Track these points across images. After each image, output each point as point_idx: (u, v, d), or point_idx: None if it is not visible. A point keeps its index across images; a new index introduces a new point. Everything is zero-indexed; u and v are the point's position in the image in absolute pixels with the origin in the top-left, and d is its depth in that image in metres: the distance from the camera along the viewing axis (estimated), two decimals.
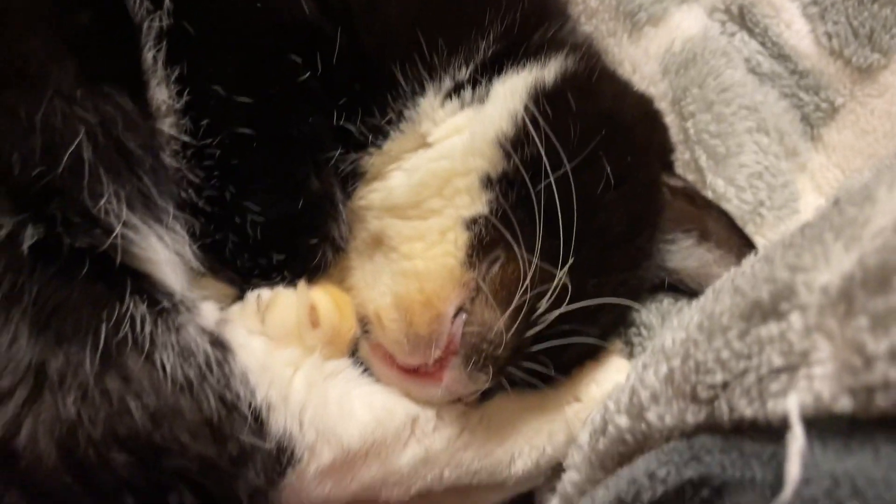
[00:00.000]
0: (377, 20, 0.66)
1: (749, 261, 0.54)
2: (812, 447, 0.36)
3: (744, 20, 0.96)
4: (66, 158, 0.51)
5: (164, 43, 0.59)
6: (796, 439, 0.36)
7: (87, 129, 0.53)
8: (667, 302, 0.76)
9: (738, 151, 0.82)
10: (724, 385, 0.43)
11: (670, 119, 0.84)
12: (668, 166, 0.78)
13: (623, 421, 0.53)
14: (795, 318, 0.40)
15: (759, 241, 0.78)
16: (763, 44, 0.96)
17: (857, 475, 0.34)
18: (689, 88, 0.84)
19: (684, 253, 0.76)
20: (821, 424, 0.37)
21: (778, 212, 0.80)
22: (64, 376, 0.52)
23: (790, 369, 0.39)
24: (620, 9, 0.86)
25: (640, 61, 0.86)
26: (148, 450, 0.54)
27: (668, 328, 0.54)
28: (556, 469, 0.71)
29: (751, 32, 0.96)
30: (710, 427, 0.44)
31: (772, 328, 0.41)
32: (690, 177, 0.83)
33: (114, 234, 0.53)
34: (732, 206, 0.80)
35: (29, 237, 0.51)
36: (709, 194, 0.82)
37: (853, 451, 0.35)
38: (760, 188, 0.81)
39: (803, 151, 0.93)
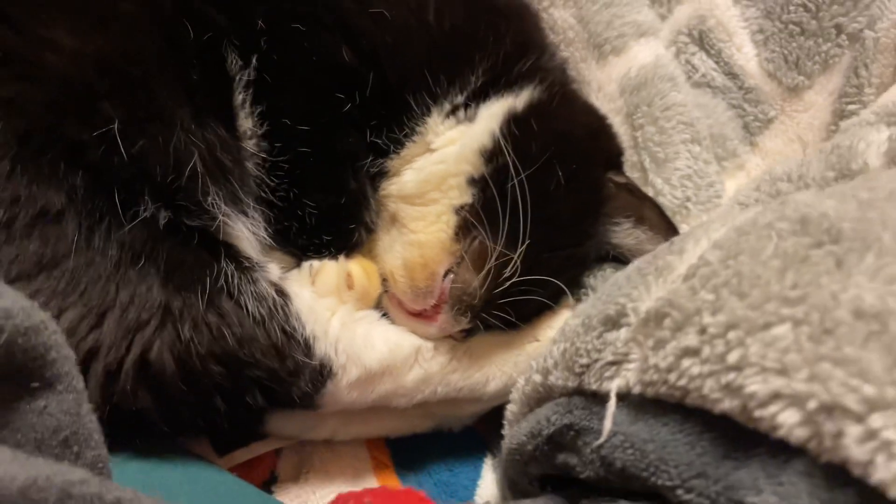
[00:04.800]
0: (397, 64, 0.87)
1: (614, 278, 0.75)
2: (622, 411, 0.60)
3: (703, 42, 1.19)
4: (188, 171, 0.75)
5: (251, 89, 0.83)
6: (611, 408, 0.60)
7: (199, 152, 0.76)
8: (609, 270, 0.97)
9: (674, 157, 1.04)
10: (587, 366, 0.65)
11: (623, 129, 1.05)
12: (618, 166, 1.00)
13: (538, 378, 0.73)
14: (623, 331, 0.62)
15: (684, 227, 0.99)
16: (717, 62, 1.18)
17: (632, 436, 0.57)
18: (639, 106, 1.06)
19: (625, 233, 0.98)
20: (628, 398, 0.60)
21: (702, 206, 1.02)
22: (182, 312, 0.74)
23: (617, 364, 0.61)
24: (591, 41, 1.09)
25: (604, 82, 1.08)
26: (235, 363, 0.76)
27: (574, 314, 0.75)
28: None
29: (708, 53, 1.18)
30: (579, 392, 0.66)
31: (613, 335, 0.63)
32: (637, 174, 1.05)
33: (217, 220, 0.77)
34: (666, 200, 1.02)
35: (162, 218, 0.74)
36: (650, 189, 1.03)
37: (635, 420, 0.58)
38: (689, 187, 1.03)
39: (742, 154, 1.15)
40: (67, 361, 0.58)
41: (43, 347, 0.55)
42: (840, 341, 0.46)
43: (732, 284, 0.55)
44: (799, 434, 0.46)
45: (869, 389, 0.44)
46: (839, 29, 1.09)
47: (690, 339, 0.54)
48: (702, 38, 1.18)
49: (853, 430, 0.44)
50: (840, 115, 1.09)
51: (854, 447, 0.43)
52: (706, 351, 0.53)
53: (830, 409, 0.45)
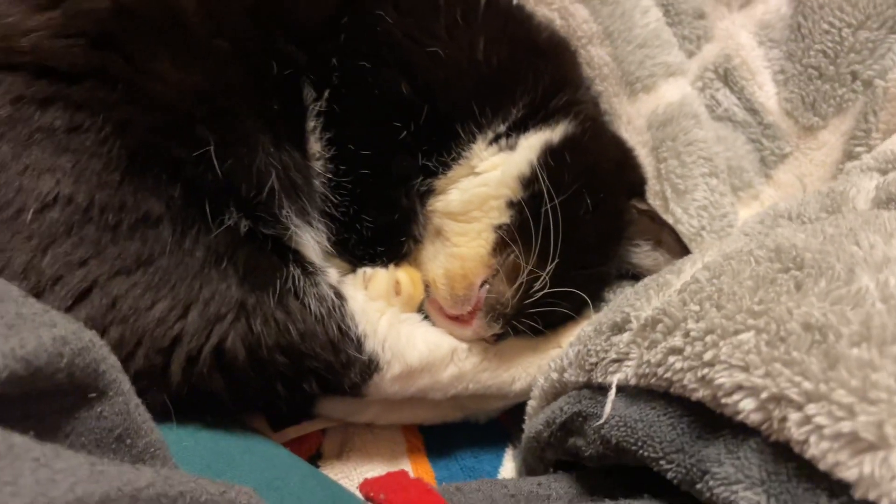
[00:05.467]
0: (449, 97, 0.98)
1: (625, 292, 0.88)
2: (620, 398, 0.72)
3: (727, 79, 1.28)
4: (267, 187, 0.86)
5: (322, 118, 0.94)
6: (611, 396, 0.72)
7: (276, 172, 0.87)
8: (628, 287, 1.06)
9: (693, 189, 1.14)
10: (595, 364, 0.77)
11: (649, 161, 1.15)
12: (641, 194, 1.10)
13: (555, 375, 0.85)
14: (626, 335, 0.74)
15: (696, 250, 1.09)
16: (739, 99, 1.27)
17: (626, 417, 0.69)
18: (665, 140, 1.15)
19: (644, 254, 1.09)
20: (625, 389, 0.72)
21: (715, 234, 1.12)
22: (255, 309, 0.83)
23: (619, 361, 0.73)
24: (624, 78, 1.18)
25: (633, 116, 1.18)
26: (297, 355, 0.86)
27: (589, 322, 0.87)
28: None
29: (731, 89, 1.28)
30: (587, 385, 0.79)
31: (617, 338, 0.75)
32: (658, 202, 1.15)
33: (290, 230, 0.88)
34: (684, 228, 1.12)
35: (243, 227, 0.85)
36: (670, 217, 1.13)
37: (629, 405, 0.70)
38: (704, 217, 1.13)
39: (757, 185, 1.25)
40: (114, 369, 0.65)
41: (95, 363, 0.62)
42: (789, 347, 0.58)
43: (714, 298, 0.67)
44: (754, 418, 0.58)
45: (807, 385, 0.55)
46: (854, 75, 1.18)
47: (677, 340, 0.66)
48: (727, 76, 1.28)
49: (794, 416, 0.55)
50: (849, 154, 1.18)
51: (794, 429, 0.54)
52: (688, 350, 0.64)
53: (778, 399, 0.56)
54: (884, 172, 0.97)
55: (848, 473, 0.51)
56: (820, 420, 0.53)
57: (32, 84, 0.81)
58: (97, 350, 0.64)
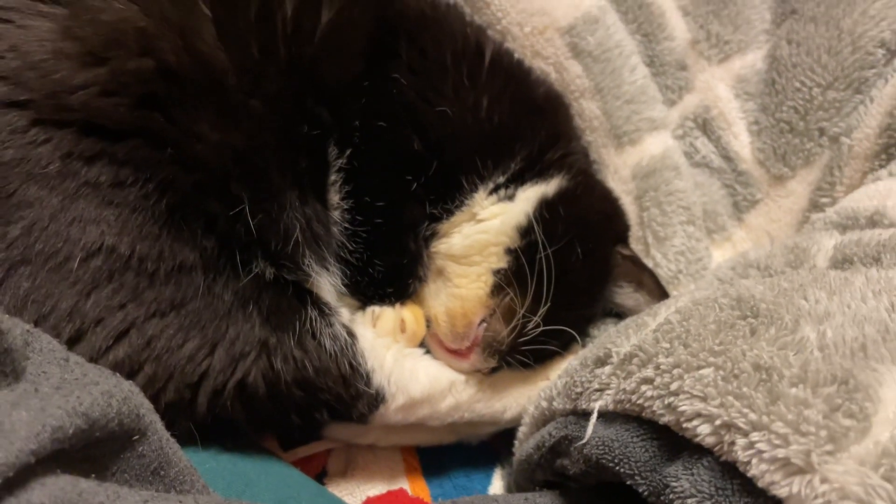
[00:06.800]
0: (455, 152, 1.06)
1: (608, 331, 0.98)
2: (600, 422, 0.80)
3: (705, 128, 1.37)
4: (292, 240, 0.93)
5: (342, 173, 1.01)
6: (592, 420, 0.80)
7: (300, 225, 0.94)
8: (611, 324, 1.17)
9: (672, 236, 1.24)
10: (580, 393, 0.85)
11: (632, 209, 1.25)
12: (624, 240, 1.20)
13: (544, 403, 0.91)
14: (608, 368, 0.82)
15: (674, 292, 1.19)
16: (716, 147, 1.37)
17: (605, 437, 0.78)
18: (647, 191, 1.25)
19: (626, 295, 1.18)
20: (606, 414, 0.81)
21: (690, 277, 1.22)
22: (276, 348, 0.90)
23: (601, 390, 0.81)
24: (612, 132, 1.27)
25: (619, 167, 1.27)
26: (312, 388, 0.93)
27: (576, 357, 0.96)
28: None
29: (709, 138, 1.37)
30: (573, 412, 0.87)
31: (599, 371, 0.83)
32: (640, 247, 1.24)
33: (311, 277, 0.97)
34: (662, 271, 1.22)
35: (269, 274, 0.93)
36: (650, 261, 1.23)
37: (608, 427, 0.79)
38: (681, 261, 1.23)
39: (729, 227, 1.35)
40: (150, 412, 0.73)
41: (136, 408, 0.70)
42: (741, 383, 0.67)
43: (682, 338, 0.77)
44: (709, 441, 0.67)
45: (753, 416, 0.64)
46: (822, 132, 1.28)
47: (649, 372, 0.75)
48: (705, 125, 1.37)
49: (741, 441, 0.64)
50: (815, 204, 1.28)
51: (740, 452, 0.64)
52: (657, 381, 0.74)
53: (729, 426, 0.66)
54: (844, 229, 1.07)
55: (781, 491, 0.61)
56: (761, 446, 0.63)
57: (80, 141, 0.86)
58: (136, 397, 0.72)
